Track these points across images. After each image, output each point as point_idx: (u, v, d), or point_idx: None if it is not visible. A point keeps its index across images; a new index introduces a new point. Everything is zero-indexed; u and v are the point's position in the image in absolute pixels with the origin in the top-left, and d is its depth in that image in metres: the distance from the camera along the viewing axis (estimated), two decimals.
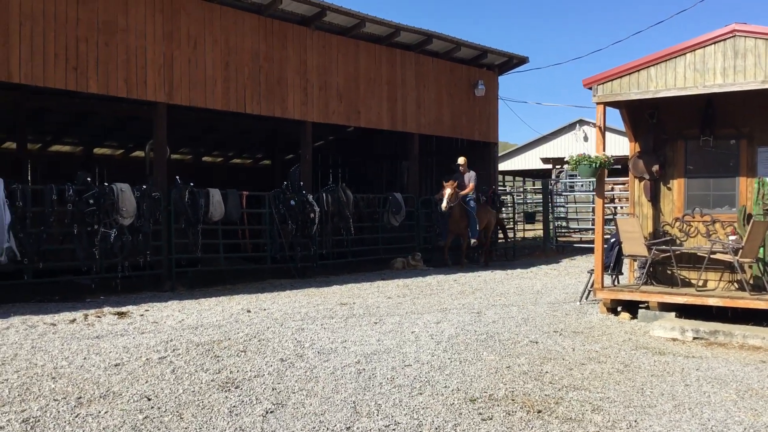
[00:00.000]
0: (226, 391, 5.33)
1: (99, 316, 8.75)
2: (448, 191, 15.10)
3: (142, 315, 8.95)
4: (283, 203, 13.82)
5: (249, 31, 13.40)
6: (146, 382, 5.53)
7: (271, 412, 4.83)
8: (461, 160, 15.91)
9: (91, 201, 11.02)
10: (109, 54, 11.40)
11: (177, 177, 12.66)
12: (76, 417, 4.65)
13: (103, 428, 4.44)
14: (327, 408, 4.93)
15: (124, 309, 9.31)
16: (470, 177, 15.86)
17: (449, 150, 19.66)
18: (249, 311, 9.28)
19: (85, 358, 6.32)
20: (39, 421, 4.56)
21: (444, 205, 15.01)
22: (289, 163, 20.90)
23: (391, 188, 18.60)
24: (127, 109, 14.82)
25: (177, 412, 4.79)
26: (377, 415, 4.79)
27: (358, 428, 4.53)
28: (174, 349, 6.73)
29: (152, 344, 6.98)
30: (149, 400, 5.05)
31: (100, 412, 4.76)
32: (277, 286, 12.33)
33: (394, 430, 4.50)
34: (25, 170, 16.36)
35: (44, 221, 10.67)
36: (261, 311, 9.31)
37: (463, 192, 15.65)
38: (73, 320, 8.46)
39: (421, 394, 5.31)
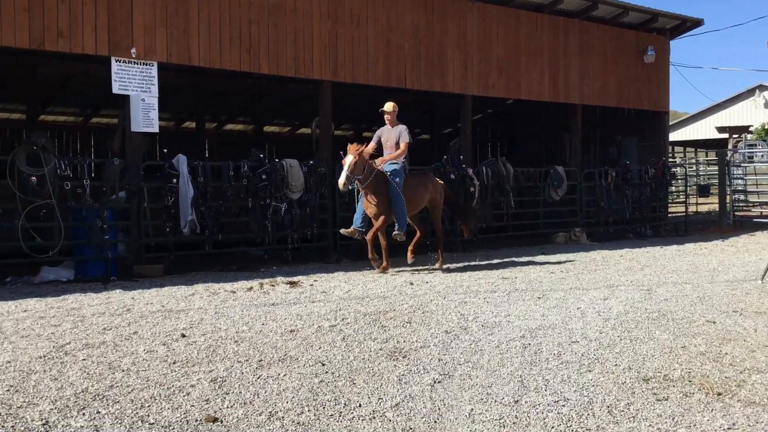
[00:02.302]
0: (394, 359, 5.48)
1: (273, 285, 9.26)
2: (348, 159, 10.10)
3: (311, 285, 9.37)
4: (442, 177, 13.88)
5: (409, 7, 13.50)
6: (319, 348, 5.80)
7: (439, 382, 4.92)
8: (388, 105, 10.85)
9: (264, 176, 11.65)
10: (279, 35, 11.92)
11: (341, 152, 13.05)
12: (258, 378, 4.96)
13: (283, 389, 4.71)
14: (494, 381, 4.95)
15: (295, 279, 9.79)
16: (399, 133, 10.72)
17: (614, 121, 18.87)
18: (412, 284, 9.45)
19: (263, 324, 6.73)
20: (225, 380, 4.91)
21: (341, 181, 10.05)
22: (447, 138, 20.93)
23: (552, 161, 18.15)
24: (295, 89, 15.44)
25: (349, 377, 4.99)
26: (545, 390, 4.75)
27: (526, 402, 4.51)
28: (343, 318, 7.00)
29: (323, 313, 7.30)
30: (323, 365, 5.30)
31: (279, 374, 5.06)
32: (435, 260, 12.43)
33: (563, 405, 4.44)
34: (203, 148, 17.53)
35: (222, 195, 11.42)
36: (423, 284, 9.45)
37: (384, 159, 10.70)
38: (250, 288, 9.01)
39: (590, 371, 5.19)
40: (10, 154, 9.64)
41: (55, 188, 9.72)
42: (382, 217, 10.47)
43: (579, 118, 16.68)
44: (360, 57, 12.90)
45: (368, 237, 10.51)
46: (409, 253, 11.02)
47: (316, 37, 12.34)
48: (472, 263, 11.85)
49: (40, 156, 9.65)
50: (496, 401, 4.53)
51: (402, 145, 10.64)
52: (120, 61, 10.38)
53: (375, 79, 13.22)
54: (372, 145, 10.72)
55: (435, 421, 4.18)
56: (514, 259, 12.49)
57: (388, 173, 10.51)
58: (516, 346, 5.93)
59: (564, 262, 11.89)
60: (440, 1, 13.92)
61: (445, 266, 11.18)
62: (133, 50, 10.47)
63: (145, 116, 10.71)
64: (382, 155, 10.80)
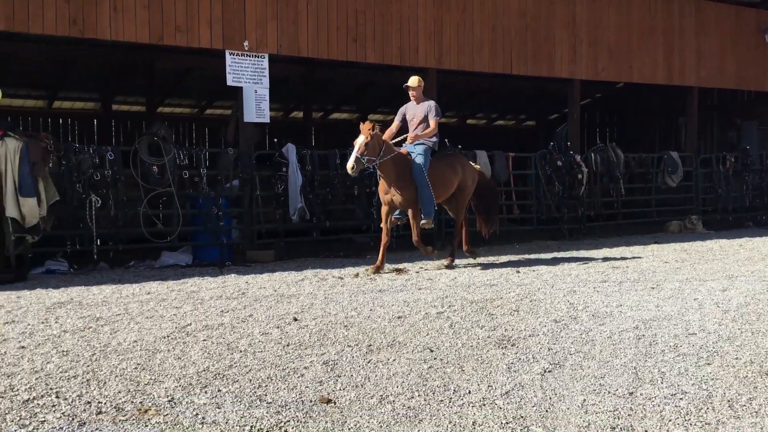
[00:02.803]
0: (502, 348, 5.46)
1: (379, 272, 9.38)
2: (359, 140, 8.98)
3: (417, 272, 9.44)
4: (549, 164, 13.65)
5: None
6: (427, 335, 5.85)
7: (549, 371, 4.87)
8: (413, 80, 9.80)
9: None
10: (385, 24, 12.01)
11: (446, 140, 13.05)
12: (368, 362, 5.06)
13: (393, 374, 4.79)
14: (606, 372, 4.85)
15: (400, 266, 9.88)
16: (427, 109, 9.64)
17: (733, 103, 17.95)
18: (518, 272, 9.36)
19: (371, 310, 6.84)
20: (337, 364, 5.04)
21: (349, 164, 8.95)
22: (554, 124, 20.52)
23: (664, 147, 17.46)
24: (400, 77, 15.47)
25: (458, 364, 5.02)
26: (661, 383, 4.61)
27: (641, 394, 4.40)
28: (450, 305, 7.02)
29: (429, 300, 7.35)
30: (431, 351, 5.34)
31: (388, 359, 5.14)
32: (544, 248, 12.27)
33: (681, 399, 4.31)
34: (309, 137, 17.92)
35: (329, 183, 11.65)
36: (530, 272, 9.34)
37: (411, 138, 9.63)
38: (357, 275, 9.17)
39: (708, 364, 5.00)
40: (133, 145, 10.19)
41: (174, 177, 10.21)
42: (411, 210, 9.45)
43: (695, 101, 15.95)
44: (466, 43, 12.82)
45: (415, 240, 9.65)
46: (465, 249, 10.33)
47: (422, 24, 12.35)
48: (581, 252, 11.59)
49: (160, 146, 10.16)
50: (609, 392, 4.44)
51: (432, 123, 9.56)
52: (233, 54, 10.75)
53: (480, 66, 13.11)
54: (396, 123, 9.88)
55: (546, 411, 4.14)
56: (624, 247, 12.13)
57: (413, 154, 9.46)
58: (629, 337, 5.78)
59: (679, 251, 11.45)
60: None
61: (526, 256, 10.98)
62: (246, 43, 10.82)
63: (257, 107, 11.05)
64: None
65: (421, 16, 12.32)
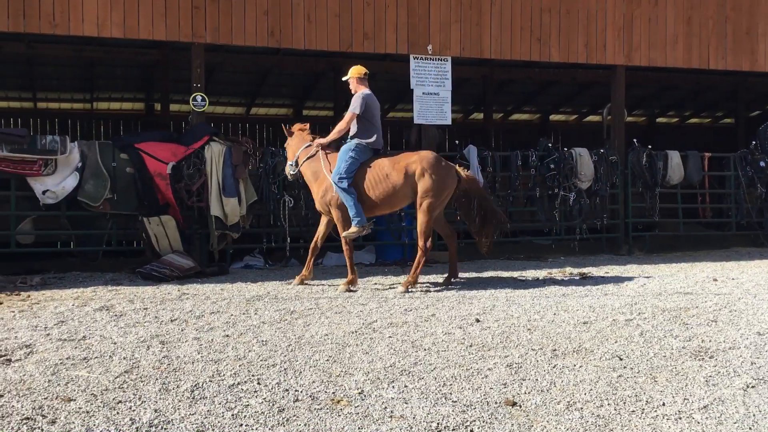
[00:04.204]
0: (699, 359, 5.15)
1: (562, 275, 9.18)
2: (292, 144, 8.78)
3: (602, 277, 9.12)
4: (750, 165, 12.66)
5: None
6: (615, 342, 5.64)
7: (752, 386, 4.52)
8: (353, 70, 8.60)
9: (552, 166, 11.57)
10: (570, 21, 11.71)
11: (634, 140, 12.51)
12: (553, 367, 4.97)
13: (580, 381, 4.67)
14: None
15: (584, 270, 9.60)
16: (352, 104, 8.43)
17: None
18: (715, 279, 8.76)
19: (554, 314, 6.71)
20: (521, 367, 4.99)
21: (286, 169, 8.89)
22: (755, 121, 18.93)
23: None
24: (584, 75, 15.06)
25: (650, 374, 4.80)
26: None
27: None
28: (639, 313, 6.72)
29: (616, 306, 7.08)
30: (621, 359, 5.15)
31: (574, 365, 5.02)
32: (744, 255, 11.42)
33: None
34: (489, 138, 17.84)
35: (510, 185, 11.56)
36: (729, 280, 8.71)
37: (325, 139, 8.60)
38: (539, 278, 9.02)
39: None
40: None
41: None
42: (325, 219, 8.60)
43: None
44: (657, 38, 12.19)
45: (311, 245, 8.68)
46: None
47: (610, 20, 11.91)
48: None
49: None
50: None
51: (344, 118, 8.39)
52: (417, 58, 10.97)
53: (674, 61, 12.41)
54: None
55: (750, 428, 3.86)
56: None
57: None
58: None
59: None
60: None
61: (723, 263, 10.17)
62: (429, 47, 11.00)
63: (439, 109, 11.20)
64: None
65: (609, 11, 11.88)
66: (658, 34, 12.18)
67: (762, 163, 12.59)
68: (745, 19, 12.67)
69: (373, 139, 8.35)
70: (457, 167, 8.61)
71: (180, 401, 4.24)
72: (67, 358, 5.09)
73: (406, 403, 4.26)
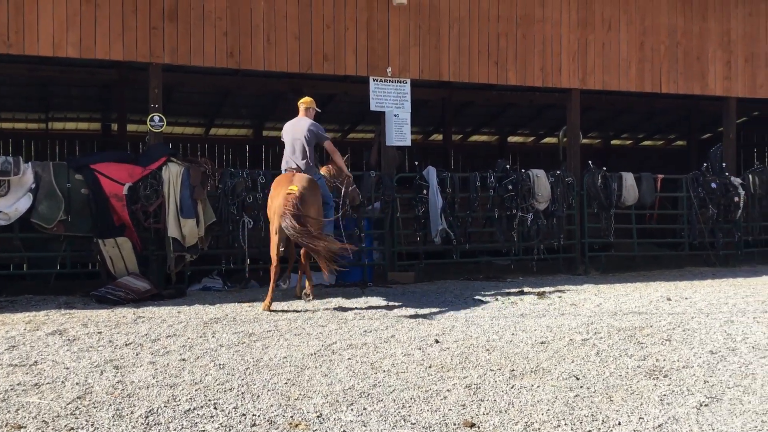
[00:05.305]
0: (653, 378, 5.23)
1: (520, 296, 9.26)
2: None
3: (559, 297, 9.23)
4: (702, 186, 12.98)
5: (666, 8, 12.82)
6: (572, 362, 5.71)
7: (705, 405, 4.61)
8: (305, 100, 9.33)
9: (510, 187, 11.71)
10: (527, 46, 11.94)
11: (590, 162, 12.74)
12: (511, 387, 5.01)
13: (537, 401, 4.71)
14: None
15: (542, 290, 9.70)
16: None
17: None
18: (669, 299, 8.93)
19: (513, 334, 6.76)
20: (480, 387, 5.02)
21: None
22: (706, 144, 19.45)
23: None
24: (541, 98, 15.32)
25: (606, 393, 4.86)
26: None
27: None
28: (596, 332, 6.81)
29: (573, 326, 7.16)
30: (577, 379, 5.21)
31: (532, 385, 5.06)
32: (697, 275, 11.66)
33: None
34: (449, 159, 17.99)
35: (470, 206, 11.67)
36: (682, 300, 8.89)
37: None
38: (497, 298, 9.09)
39: None
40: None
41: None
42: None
43: None
44: (611, 63, 12.49)
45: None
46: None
47: (565, 45, 12.16)
48: (738, 279, 10.91)
49: None
50: None
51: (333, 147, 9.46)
52: (377, 80, 11.05)
53: (627, 85, 12.72)
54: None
55: None
56: None
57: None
58: None
59: None
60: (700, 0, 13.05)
61: (677, 283, 10.40)
62: (389, 69, 11.10)
63: (399, 131, 11.28)
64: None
65: (564, 36, 12.14)
66: (612, 58, 12.48)
67: (713, 185, 12.91)
68: (696, 45, 13.05)
69: None
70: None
71: (134, 428, 4.16)
72: (17, 384, 4.96)
73: (364, 425, 4.24)
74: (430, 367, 5.56)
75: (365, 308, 8.29)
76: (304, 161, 8.84)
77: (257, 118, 17.93)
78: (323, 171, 9.49)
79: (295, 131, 8.95)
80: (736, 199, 12.84)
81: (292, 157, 8.91)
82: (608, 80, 12.54)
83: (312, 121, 9.08)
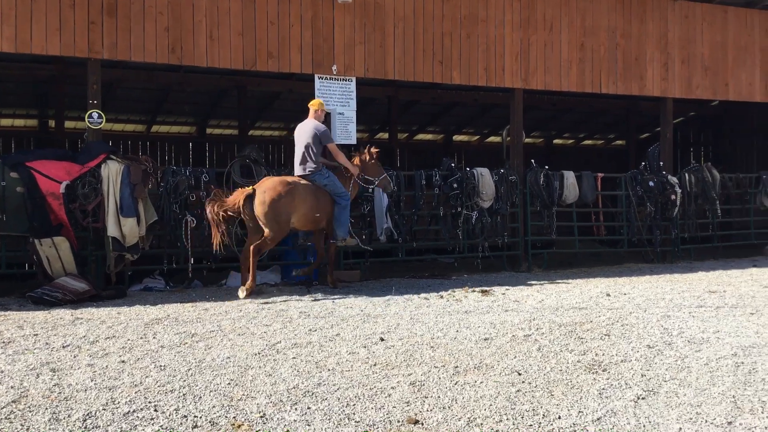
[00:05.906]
0: (593, 373, 5.35)
1: (465, 293, 9.35)
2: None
3: (503, 294, 9.35)
4: (640, 185, 13.31)
5: (606, 9, 13.09)
6: (515, 358, 5.79)
7: (643, 398, 4.73)
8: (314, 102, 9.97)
9: (455, 185, 11.81)
10: (471, 46, 12.04)
11: (532, 160, 12.94)
12: (455, 384, 5.05)
13: (480, 396, 4.76)
14: (703, 400, 4.68)
15: (486, 287, 9.81)
16: None
17: None
18: (608, 295, 9.14)
19: (457, 331, 6.82)
20: (424, 384, 5.05)
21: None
22: (644, 143, 19.99)
23: (764, 167, 16.73)
24: (485, 97, 15.52)
25: (547, 388, 4.94)
26: (762, 413, 4.42)
27: (741, 424, 4.23)
28: (537, 328, 6.93)
29: (516, 322, 7.27)
30: (519, 374, 5.28)
31: (475, 381, 5.11)
32: (635, 271, 11.96)
33: None
34: (395, 157, 18.08)
35: (415, 204, 11.72)
36: (621, 295, 9.11)
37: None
38: (442, 296, 9.16)
39: None
40: (227, 167, 10.56)
41: None
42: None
43: None
44: (552, 63, 12.70)
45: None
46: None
47: (508, 45, 12.32)
48: (674, 275, 11.23)
49: (252, 168, 10.47)
50: (706, 422, 4.28)
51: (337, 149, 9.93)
52: (322, 78, 11.01)
53: (568, 85, 12.95)
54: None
55: None
56: (721, 271, 11.67)
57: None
58: (727, 364, 5.56)
59: None
60: (639, 2, 13.35)
61: (616, 279, 10.66)
62: (334, 67, 11.06)
63: (344, 129, 11.25)
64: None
65: (507, 37, 12.29)
66: (553, 59, 12.69)
67: (651, 183, 13.25)
68: (635, 47, 13.37)
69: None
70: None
71: (71, 431, 4.05)
72: None
73: (308, 425, 4.22)
74: (375, 365, 5.57)
75: (310, 307, 8.25)
76: (312, 162, 9.52)
77: (200, 115, 17.69)
78: (356, 162, 10.02)
79: (303, 133, 9.65)
80: (673, 197, 13.20)
81: (299, 159, 9.60)
82: (550, 80, 12.75)
83: (318, 124, 9.67)
